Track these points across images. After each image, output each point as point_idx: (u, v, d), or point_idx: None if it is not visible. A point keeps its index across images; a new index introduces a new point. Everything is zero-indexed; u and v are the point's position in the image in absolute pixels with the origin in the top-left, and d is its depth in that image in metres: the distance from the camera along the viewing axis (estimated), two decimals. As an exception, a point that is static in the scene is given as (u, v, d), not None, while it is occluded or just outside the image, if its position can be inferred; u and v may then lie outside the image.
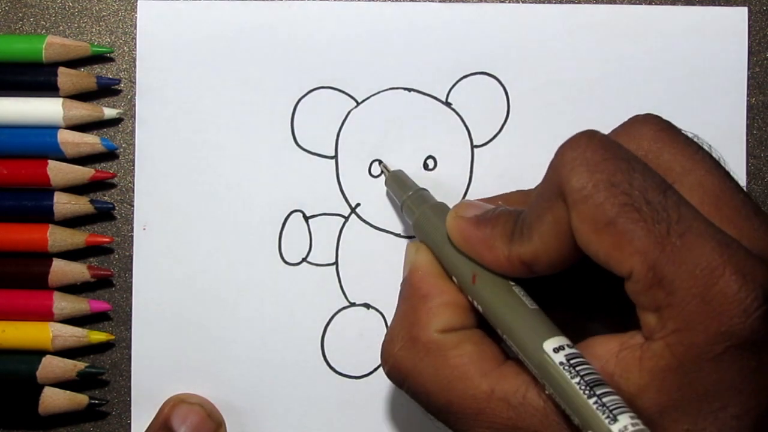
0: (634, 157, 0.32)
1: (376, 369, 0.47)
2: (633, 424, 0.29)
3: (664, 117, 0.47)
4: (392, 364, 0.37)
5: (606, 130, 0.47)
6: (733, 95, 0.47)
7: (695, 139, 0.35)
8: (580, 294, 0.38)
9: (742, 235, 0.32)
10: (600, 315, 0.38)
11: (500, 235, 0.34)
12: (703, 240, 0.30)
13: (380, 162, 0.47)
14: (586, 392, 0.30)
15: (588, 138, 0.32)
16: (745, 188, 0.45)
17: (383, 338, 0.38)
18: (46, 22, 0.48)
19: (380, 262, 0.47)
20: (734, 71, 0.47)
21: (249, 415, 0.47)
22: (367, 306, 0.47)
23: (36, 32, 0.48)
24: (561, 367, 0.31)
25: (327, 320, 0.47)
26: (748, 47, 0.47)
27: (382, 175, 0.47)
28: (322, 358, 0.47)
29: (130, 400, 0.47)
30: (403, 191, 0.44)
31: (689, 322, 0.30)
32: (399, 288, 0.39)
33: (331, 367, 0.47)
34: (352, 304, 0.47)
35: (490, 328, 0.36)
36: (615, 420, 0.29)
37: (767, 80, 0.48)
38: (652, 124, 0.35)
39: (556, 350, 0.32)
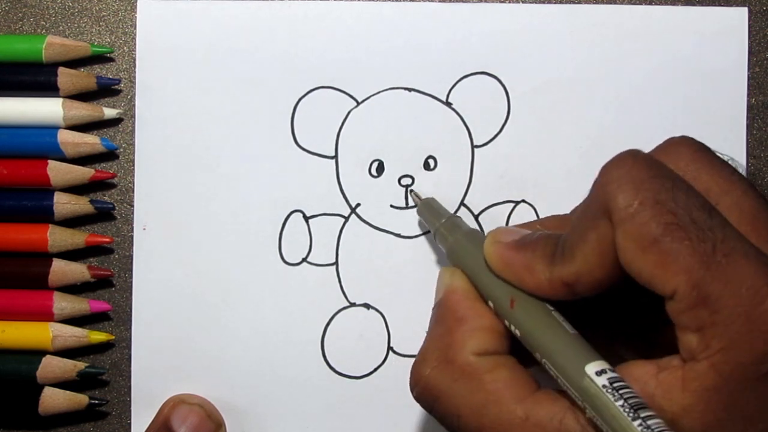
0: (679, 177, 0.32)
1: (376, 369, 0.47)
2: None
3: (665, 117, 0.48)
4: (424, 386, 0.36)
5: (606, 130, 0.48)
6: (733, 95, 0.47)
7: (730, 162, 0.35)
8: (606, 320, 0.38)
9: None
10: (625, 341, 0.38)
11: (541, 257, 0.34)
12: (748, 260, 0.30)
13: (412, 191, 0.47)
14: (631, 415, 0.30)
15: (633, 157, 0.32)
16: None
17: (414, 359, 0.37)
18: (46, 22, 0.48)
19: (380, 262, 0.47)
20: (734, 71, 0.47)
21: (249, 415, 0.47)
22: (367, 306, 0.47)
23: (36, 32, 0.48)
24: (604, 390, 0.31)
25: (327, 320, 0.47)
26: (748, 47, 0.47)
27: (414, 203, 0.47)
28: (322, 358, 0.47)
29: (130, 400, 0.47)
30: (436, 219, 0.44)
31: (735, 342, 0.29)
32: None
33: (331, 367, 0.47)
34: (352, 304, 0.47)
35: (521, 357, 0.36)
36: None
37: (767, 80, 0.48)
38: (688, 145, 0.35)
39: (599, 374, 0.32)
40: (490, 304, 0.37)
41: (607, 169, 0.32)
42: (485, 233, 0.39)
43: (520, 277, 0.35)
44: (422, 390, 0.37)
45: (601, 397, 0.31)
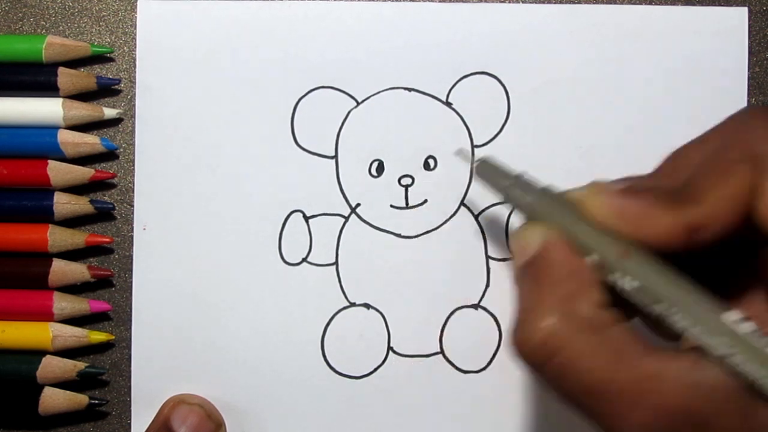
0: None
1: (376, 369, 0.47)
2: None
3: (664, 117, 0.47)
4: (539, 340, 0.33)
5: (606, 130, 0.48)
6: (733, 95, 0.47)
7: None
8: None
9: None
10: None
11: (662, 202, 0.33)
12: None
13: (462, 149, 0.46)
14: None
15: None
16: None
17: (515, 319, 0.34)
18: (46, 22, 0.48)
19: (380, 262, 0.47)
20: (734, 71, 0.47)
21: (249, 415, 0.47)
22: (367, 306, 0.47)
23: (36, 32, 0.48)
24: (753, 336, 0.30)
25: (327, 320, 0.47)
26: (748, 47, 0.47)
27: (469, 164, 0.46)
28: (322, 358, 0.47)
29: (130, 400, 0.47)
30: (503, 178, 0.39)
31: None
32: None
33: (331, 367, 0.47)
34: (352, 304, 0.47)
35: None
36: None
37: (767, 80, 0.48)
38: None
39: (738, 321, 0.31)
40: (590, 258, 0.34)
41: (752, 115, 0.31)
42: (534, 210, 0.37)
43: (636, 225, 0.33)
44: (539, 344, 0.33)
45: (750, 343, 0.30)
